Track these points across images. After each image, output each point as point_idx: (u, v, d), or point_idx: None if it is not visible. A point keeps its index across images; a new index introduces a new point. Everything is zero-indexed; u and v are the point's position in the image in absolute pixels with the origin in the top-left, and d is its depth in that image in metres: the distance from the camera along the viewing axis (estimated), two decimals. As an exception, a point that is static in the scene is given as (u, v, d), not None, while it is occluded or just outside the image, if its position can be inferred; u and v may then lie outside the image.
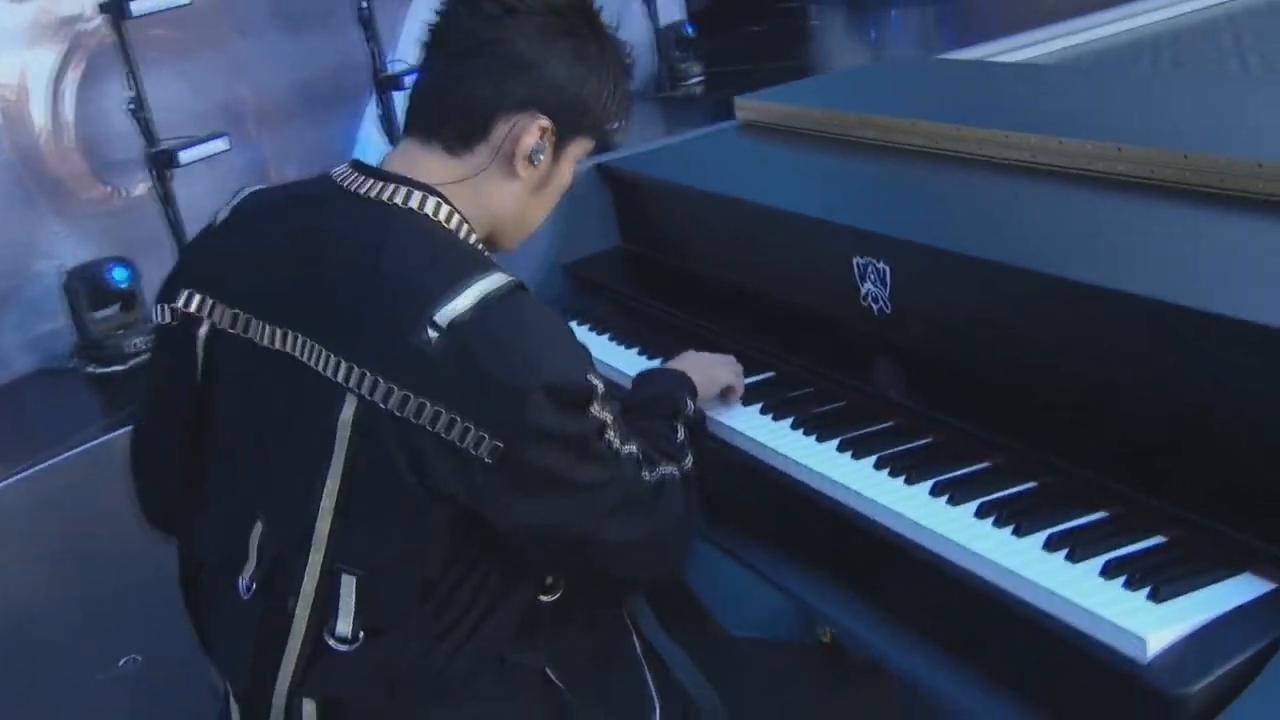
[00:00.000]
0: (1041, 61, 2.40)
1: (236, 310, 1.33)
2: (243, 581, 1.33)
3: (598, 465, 1.26)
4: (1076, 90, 2.03)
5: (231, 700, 1.37)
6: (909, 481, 1.43)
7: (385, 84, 6.90)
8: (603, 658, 1.43)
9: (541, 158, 1.35)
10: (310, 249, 1.31)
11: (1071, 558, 1.24)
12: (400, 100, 6.95)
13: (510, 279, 1.25)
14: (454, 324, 1.18)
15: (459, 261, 1.26)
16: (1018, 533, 1.30)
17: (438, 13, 1.34)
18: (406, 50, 7.18)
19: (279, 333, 1.29)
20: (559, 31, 1.32)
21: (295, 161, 7.00)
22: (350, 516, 1.24)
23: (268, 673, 1.30)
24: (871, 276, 1.68)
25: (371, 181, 1.32)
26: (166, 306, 1.39)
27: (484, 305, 1.20)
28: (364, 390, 1.20)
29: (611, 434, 1.28)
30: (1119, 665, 1.13)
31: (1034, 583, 1.22)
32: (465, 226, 1.33)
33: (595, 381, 1.26)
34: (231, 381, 1.36)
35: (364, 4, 6.79)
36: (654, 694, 1.43)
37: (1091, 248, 1.52)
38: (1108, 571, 1.20)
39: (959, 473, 1.42)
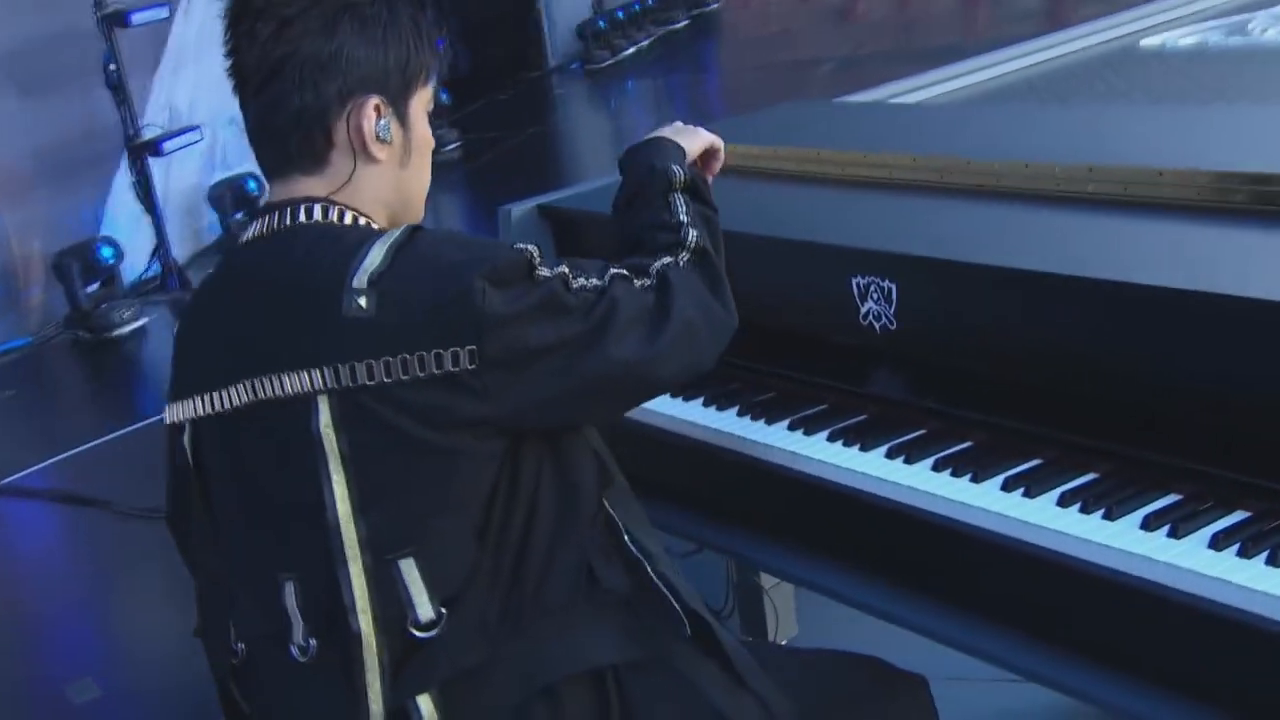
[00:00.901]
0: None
1: (201, 394, 1.34)
2: (294, 648, 1.31)
3: (580, 312, 1.29)
4: (1005, 122, 2.17)
5: None
6: (975, 480, 1.48)
7: (139, 150, 6.56)
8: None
9: (390, 132, 1.35)
10: (232, 302, 1.35)
11: (1174, 534, 1.31)
12: (156, 166, 6.61)
13: (407, 225, 1.29)
14: (373, 279, 1.23)
15: (356, 238, 1.29)
16: (1109, 517, 1.36)
17: (226, 55, 1.34)
18: (157, 115, 6.87)
19: (236, 389, 1.30)
20: (333, 14, 1.31)
21: (40, 232, 6.54)
22: (373, 508, 1.25)
23: (360, 700, 1.26)
24: (874, 295, 1.73)
25: (265, 219, 1.34)
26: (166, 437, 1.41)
27: (393, 251, 1.25)
28: (330, 384, 1.23)
29: (580, 279, 1.30)
30: (1257, 628, 1.21)
31: (1149, 559, 1.29)
32: (363, 219, 1.35)
33: (524, 247, 1.28)
34: (218, 465, 1.37)
35: (112, 67, 6.44)
36: (680, 612, 1.40)
37: (1091, 251, 1.62)
38: (1216, 544, 1.28)
39: (1021, 468, 1.48)
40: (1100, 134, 2.02)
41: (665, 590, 1.38)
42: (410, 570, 1.25)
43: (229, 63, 1.34)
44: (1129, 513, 1.36)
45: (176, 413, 1.37)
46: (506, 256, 1.26)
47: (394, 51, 1.33)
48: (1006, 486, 1.46)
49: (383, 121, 1.33)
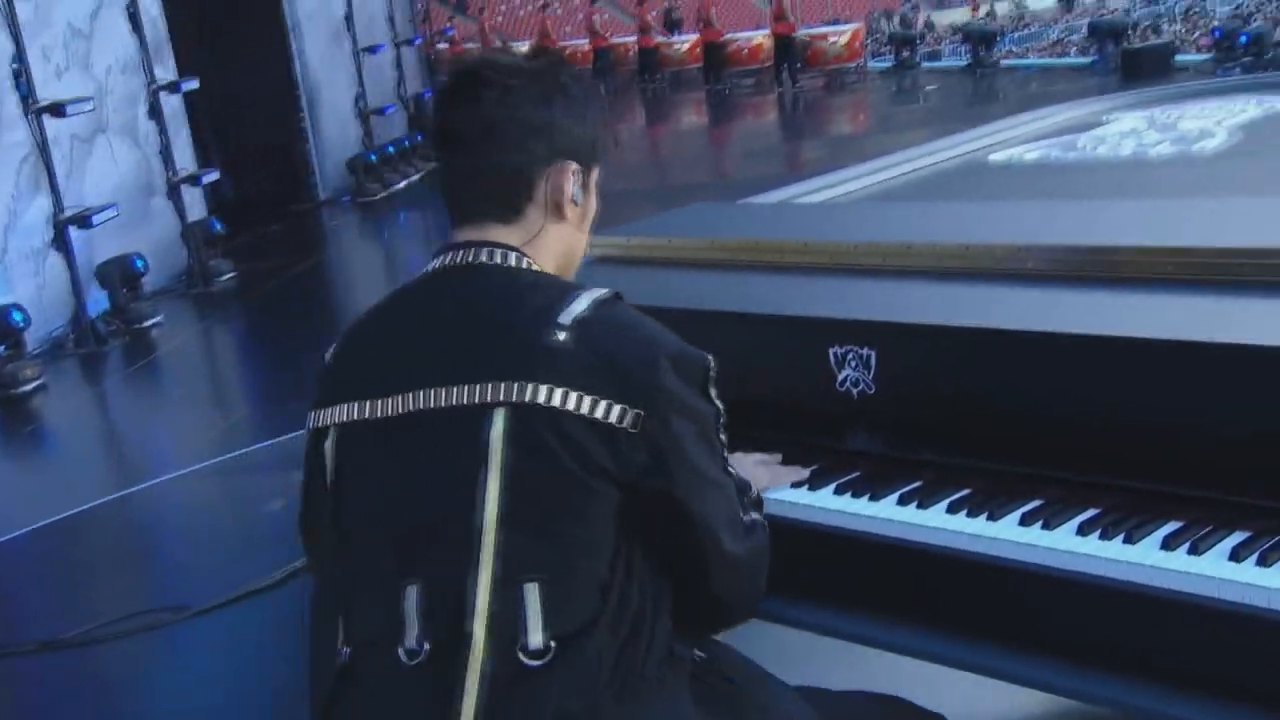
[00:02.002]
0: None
1: (362, 400, 1.42)
2: (403, 652, 1.34)
3: (715, 458, 1.41)
4: (914, 216, 2.37)
5: None
6: (992, 518, 1.60)
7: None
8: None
9: (580, 196, 1.51)
10: (416, 319, 1.45)
11: (1194, 552, 1.46)
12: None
13: (611, 289, 1.43)
14: (577, 320, 1.36)
15: (559, 284, 1.45)
16: (1129, 541, 1.50)
17: (439, 114, 1.50)
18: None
19: (401, 398, 1.38)
20: (549, 89, 1.49)
21: None
22: (517, 524, 1.32)
23: (451, 708, 1.29)
24: (852, 363, 1.85)
25: (456, 253, 1.46)
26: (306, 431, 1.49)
27: (598, 305, 1.39)
28: (513, 397, 1.32)
29: (724, 435, 1.44)
30: (1284, 623, 1.36)
31: (1182, 572, 1.43)
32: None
33: (707, 355, 1.42)
34: (361, 469, 1.42)
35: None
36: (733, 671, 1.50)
37: (1051, 312, 1.79)
38: (1237, 556, 1.43)
39: (1031, 505, 1.61)
40: (1004, 221, 2.24)
41: (715, 654, 1.48)
42: (533, 595, 1.30)
43: (440, 120, 1.49)
44: (1146, 536, 1.50)
45: (325, 417, 1.43)
46: (692, 353, 1.40)
47: (591, 128, 1.52)
48: (1024, 521, 1.58)
49: (577, 186, 1.48)
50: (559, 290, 1.42)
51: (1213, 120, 2.97)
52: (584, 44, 21.58)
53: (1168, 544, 1.48)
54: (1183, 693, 1.44)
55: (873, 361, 1.83)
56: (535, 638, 1.29)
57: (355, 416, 1.41)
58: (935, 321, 1.80)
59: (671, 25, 22.27)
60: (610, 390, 1.33)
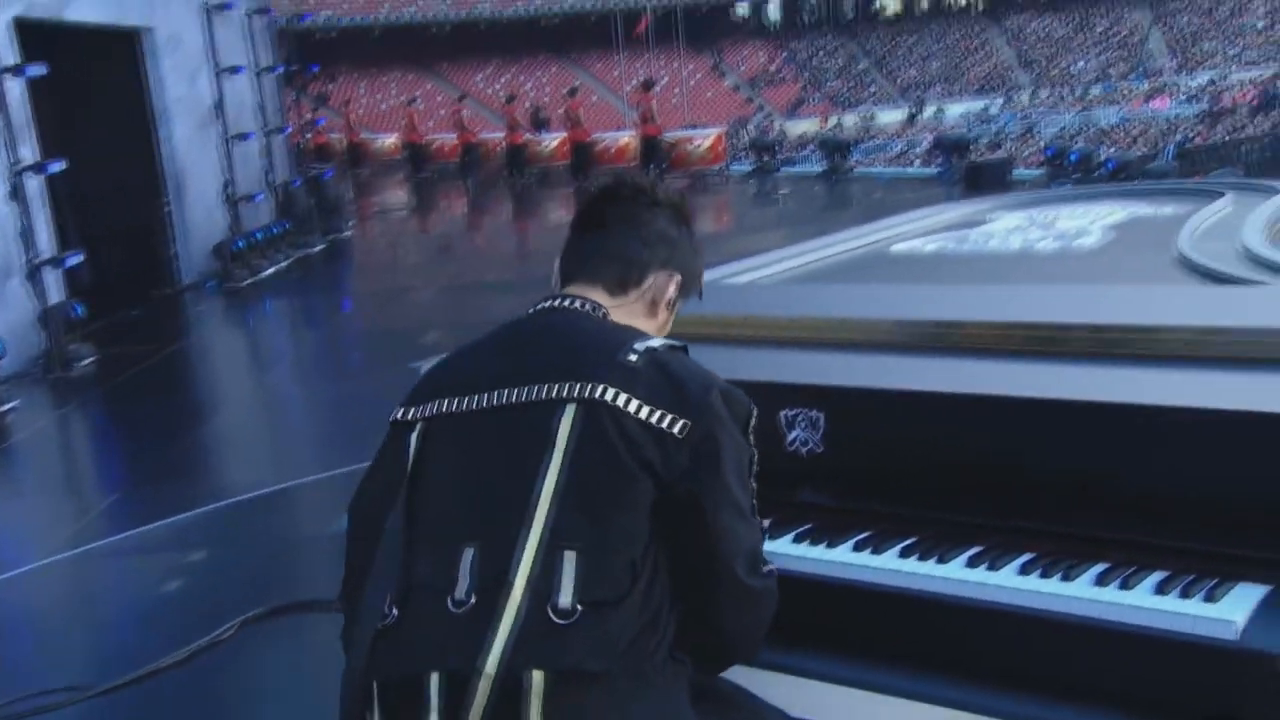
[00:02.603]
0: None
1: (446, 398, 1.64)
2: (451, 600, 1.51)
3: (745, 492, 1.58)
4: (837, 295, 2.54)
5: (433, 682, 1.46)
6: (941, 561, 1.75)
7: None
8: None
9: (673, 305, 1.79)
10: (507, 340, 1.71)
11: (1125, 586, 1.63)
12: None
13: (682, 342, 1.68)
14: (649, 349, 1.62)
15: (637, 331, 1.70)
16: (1067, 579, 1.67)
17: (593, 203, 1.82)
18: None
19: (487, 395, 1.62)
20: (681, 219, 1.83)
21: None
22: (569, 500, 1.52)
23: (483, 645, 1.44)
24: (801, 424, 2.00)
25: (559, 300, 1.74)
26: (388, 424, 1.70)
27: (669, 347, 1.65)
28: (584, 394, 1.55)
29: (754, 481, 1.61)
30: (1209, 646, 1.53)
31: (1117, 604, 1.60)
32: None
33: (752, 404, 1.63)
34: (441, 451, 1.62)
35: None
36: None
37: (988, 379, 1.96)
38: (1162, 590, 1.61)
39: (974, 550, 1.77)
40: (924, 301, 2.42)
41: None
42: (570, 562, 1.49)
43: (587, 209, 1.80)
44: (1081, 575, 1.67)
45: (414, 413, 1.65)
46: (741, 396, 1.63)
47: (697, 263, 1.84)
48: (971, 563, 1.74)
49: (675, 294, 1.77)
50: (636, 333, 1.67)
51: (1087, 220, 3.25)
52: (452, 138, 21.79)
53: (1101, 580, 1.65)
54: (1121, 712, 1.60)
55: (821, 423, 1.98)
56: (565, 599, 1.46)
57: (442, 411, 1.63)
58: (884, 386, 1.96)
59: (539, 124, 22.69)
60: (668, 404, 1.55)
